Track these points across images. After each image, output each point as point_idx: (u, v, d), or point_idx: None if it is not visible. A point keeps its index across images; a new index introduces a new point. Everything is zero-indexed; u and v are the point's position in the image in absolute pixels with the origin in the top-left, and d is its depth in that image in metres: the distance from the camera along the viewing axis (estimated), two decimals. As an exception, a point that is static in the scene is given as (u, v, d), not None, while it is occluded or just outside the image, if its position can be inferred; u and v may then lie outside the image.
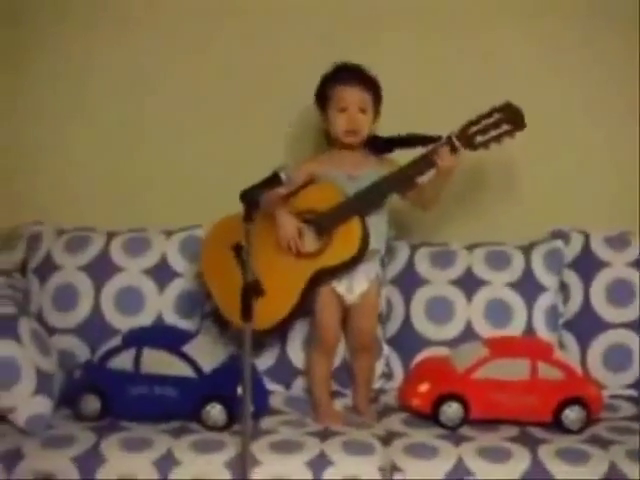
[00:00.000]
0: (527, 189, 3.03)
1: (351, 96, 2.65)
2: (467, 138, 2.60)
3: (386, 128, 2.73)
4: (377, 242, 2.67)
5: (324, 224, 2.62)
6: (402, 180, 2.64)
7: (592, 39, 2.98)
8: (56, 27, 3.04)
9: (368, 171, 2.66)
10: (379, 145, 2.72)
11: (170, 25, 3.03)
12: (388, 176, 2.63)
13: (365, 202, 2.63)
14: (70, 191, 3.11)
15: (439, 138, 2.62)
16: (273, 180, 2.33)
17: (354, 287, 2.66)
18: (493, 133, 2.59)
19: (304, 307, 2.67)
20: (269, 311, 2.54)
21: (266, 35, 3.01)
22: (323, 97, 2.69)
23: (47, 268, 2.84)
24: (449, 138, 2.60)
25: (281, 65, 3.00)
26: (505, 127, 2.59)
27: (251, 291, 2.22)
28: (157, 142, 3.08)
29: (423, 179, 2.66)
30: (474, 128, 2.60)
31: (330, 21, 2.98)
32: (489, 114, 2.59)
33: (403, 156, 2.68)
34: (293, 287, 2.63)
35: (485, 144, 2.61)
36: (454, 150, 2.60)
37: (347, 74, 2.67)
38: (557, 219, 2.98)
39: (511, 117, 2.59)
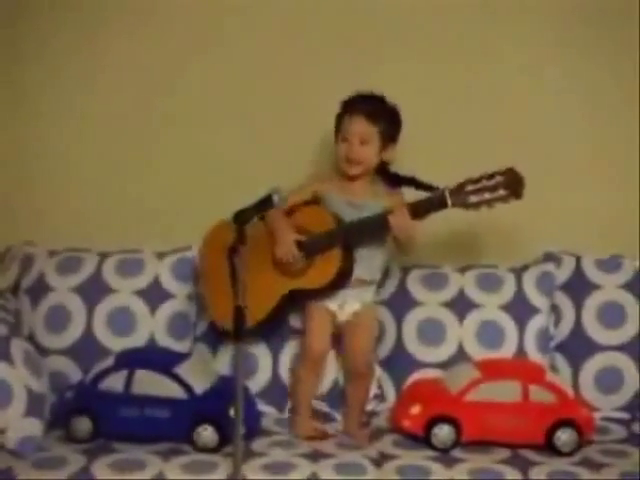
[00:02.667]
0: (519, 212, 3.03)
1: (353, 127, 2.67)
2: (461, 196, 2.54)
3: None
4: (369, 274, 2.70)
5: (310, 247, 2.64)
6: (371, 229, 2.63)
7: (596, 62, 3.00)
8: (56, 34, 3.06)
9: (369, 201, 2.68)
10: (386, 178, 2.75)
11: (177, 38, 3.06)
12: (372, 217, 2.62)
13: (351, 235, 2.64)
14: (63, 212, 3.11)
15: (436, 188, 2.59)
16: (266, 202, 2.34)
17: (346, 305, 2.68)
18: (487, 196, 2.54)
19: (280, 317, 2.72)
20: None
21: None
22: (335, 125, 2.73)
23: (39, 289, 2.84)
24: (442, 193, 2.56)
25: (287, 89, 3.03)
26: (501, 192, 2.53)
27: (243, 313, 2.22)
28: (150, 164, 3.09)
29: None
30: (471, 187, 2.55)
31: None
32: (490, 176, 2.54)
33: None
34: (269, 298, 2.66)
35: (477, 205, 2.55)
36: (442, 206, 2.55)
37: (355, 104, 2.69)
38: (549, 242, 2.99)
39: (510, 183, 2.53)
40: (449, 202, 2.55)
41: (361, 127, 2.67)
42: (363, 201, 2.69)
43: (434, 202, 2.58)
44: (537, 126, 3.02)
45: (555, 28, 3.00)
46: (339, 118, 2.73)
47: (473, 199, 2.55)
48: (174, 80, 3.05)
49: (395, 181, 2.74)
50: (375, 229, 2.63)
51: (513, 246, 3.02)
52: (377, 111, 2.68)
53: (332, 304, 2.68)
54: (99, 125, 3.08)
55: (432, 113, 3.00)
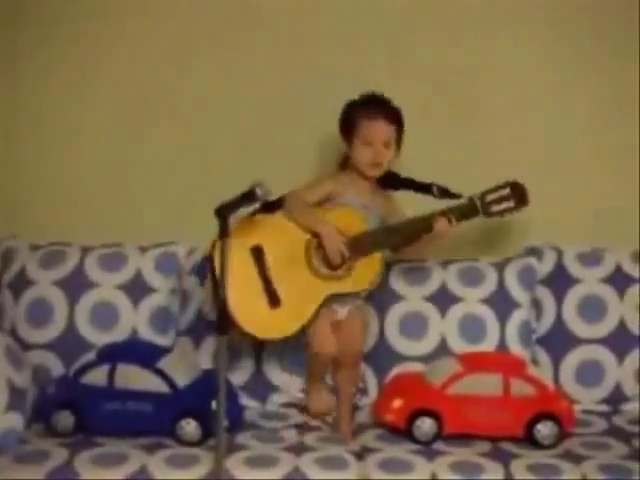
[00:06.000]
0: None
1: (377, 132, 2.69)
2: (485, 205, 2.69)
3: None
4: None
5: (354, 248, 2.63)
6: (414, 232, 2.68)
7: (583, 53, 3.03)
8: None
9: (377, 203, 2.74)
10: (393, 181, 2.78)
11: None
12: (418, 220, 2.68)
13: (394, 237, 2.68)
14: (46, 206, 3.10)
15: (458, 196, 2.70)
16: (249, 196, 2.34)
17: (347, 302, 2.69)
18: (504, 206, 2.69)
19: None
20: (281, 322, 2.59)
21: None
22: (349, 125, 2.72)
23: (21, 283, 2.83)
24: (473, 201, 2.68)
25: (252, 81, 3.03)
26: (510, 203, 2.69)
27: (227, 307, 2.22)
28: (136, 159, 3.09)
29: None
30: (491, 196, 2.69)
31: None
32: (502, 186, 2.69)
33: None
34: (307, 304, 2.62)
35: (497, 214, 2.71)
36: (475, 213, 2.69)
37: (375, 108, 2.70)
38: (530, 235, 3.00)
39: (517, 195, 2.69)
40: (480, 210, 2.68)
41: (385, 131, 2.69)
42: (373, 204, 2.73)
43: (468, 210, 2.69)
44: (523, 121, 3.04)
45: (555, 28, 3.01)
46: (355, 121, 2.71)
47: (495, 208, 2.70)
48: (166, 79, 3.05)
49: (392, 183, 2.78)
50: (417, 232, 2.67)
51: (495, 240, 3.03)
52: (394, 114, 2.72)
53: (335, 303, 2.68)
54: (84, 122, 3.07)
55: (430, 111, 3.02)
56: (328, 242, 2.63)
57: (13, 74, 3.06)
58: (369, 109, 2.71)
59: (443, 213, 2.67)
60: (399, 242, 2.71)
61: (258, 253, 2.62)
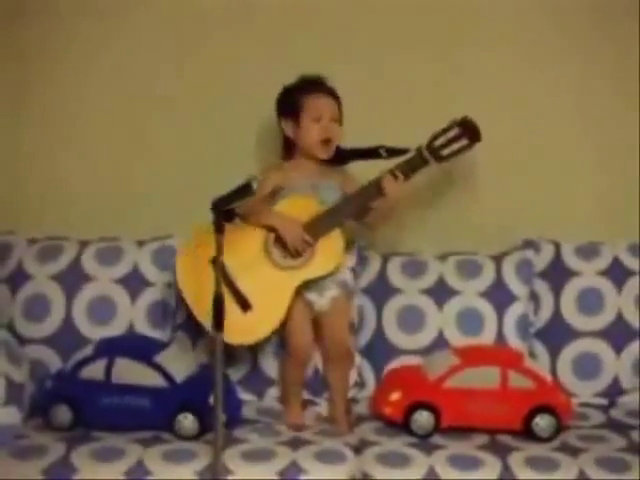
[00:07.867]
0: (498, 199, 3.06)
1: (325, 106, 2.69)
2: (434, 151, 2.64)
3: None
4: None
5: (315, 229, 2.63)
6: (366, 199, 2.66)
7: (583, 50, 3.02)
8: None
9: (328, 180, 2.71)
10: (341, 155, 2.74)
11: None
12: (367, 186, 2.66)
13: (350, 209, 2.67)
14: (43, 200, 3.09)
15: (407, 150, 2.66)
16: (244, 190, 2.34)
17: (325, 292, 2.67)
18: (455, 147, 2.65)
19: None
20: (256, 326, 2.59)
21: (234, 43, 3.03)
22: (293, 107, 2.70)
23: (18, 278, 2.83)
24: (420, 151, 2.64)
25: (247, 76, 3.02)
26: (463, 141, 2.65)
27: (222, 302, 2.22)
28: (133, 154, 3.09)
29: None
30: (439, 141, 2.65)
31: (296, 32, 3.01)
32: (450, 127, 2.64)
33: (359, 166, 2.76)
34: (279, 301, 2.62)
35: (449, 157, 2.66)
36: (424, 162, 2.64)
37: (317, 85, 2.72)
38: (528, 229, 3.00)
39: (468, 131, 2.64)
40: (430, 158, 2.64)
41: (332, 106, 2.70)
42: (323, 182, 2.70)
43: (416, 161, 2.65)
44: (515, 114, 3.03)
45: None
46: (300, 99, 2.69)
47: (446, 152, 2.65)
48: (165, 75, 3.04)
49: (351, 156, 2.75)
50: (369, 198, 2.65)
51: (492, 233, 3.02)
52: (334, 91, 2.72)
53: (311, 294, 2.67)
54: (82, 117, 3.07)
55: (430, 109, 3.00)
56: (286, 233, 2.62)
57: (17, 72, 3.05)
58: (312, 87, 2.71)
59: (389, 171, 2.64)
60: (355, 213, 2.68)
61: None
